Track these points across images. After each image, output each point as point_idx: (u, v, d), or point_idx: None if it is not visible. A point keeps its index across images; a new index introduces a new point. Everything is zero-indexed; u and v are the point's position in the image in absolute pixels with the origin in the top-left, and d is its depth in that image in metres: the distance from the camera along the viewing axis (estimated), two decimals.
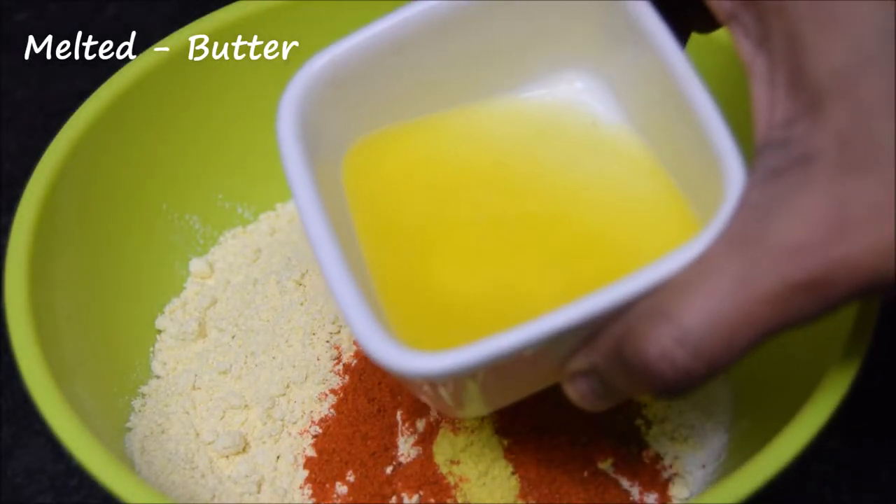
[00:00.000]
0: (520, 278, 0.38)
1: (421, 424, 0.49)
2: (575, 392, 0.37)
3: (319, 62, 0.40)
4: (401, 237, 0.40)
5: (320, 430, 0.50)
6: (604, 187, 0.40)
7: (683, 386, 0.33)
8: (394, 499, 0.48)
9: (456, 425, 0.49)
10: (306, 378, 0.51)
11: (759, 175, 0.34)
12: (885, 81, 0.32)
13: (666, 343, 0.32)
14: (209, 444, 0.51)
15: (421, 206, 0.40)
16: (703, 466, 0.51)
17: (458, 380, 0.37)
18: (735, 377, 0.54)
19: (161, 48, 0.55)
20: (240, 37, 0.57)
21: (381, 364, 0.35)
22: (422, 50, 0.41)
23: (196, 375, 0.53)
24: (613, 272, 0.34)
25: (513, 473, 0.48)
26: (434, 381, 0.37)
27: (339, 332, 0.52)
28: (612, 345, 0.34)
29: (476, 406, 0.41)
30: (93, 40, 0.77)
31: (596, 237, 0.39)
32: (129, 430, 0.51)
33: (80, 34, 0.76)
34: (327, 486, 0.49)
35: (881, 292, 0.33)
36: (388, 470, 0.49)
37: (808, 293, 0.32)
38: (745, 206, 0.33)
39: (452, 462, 0.48)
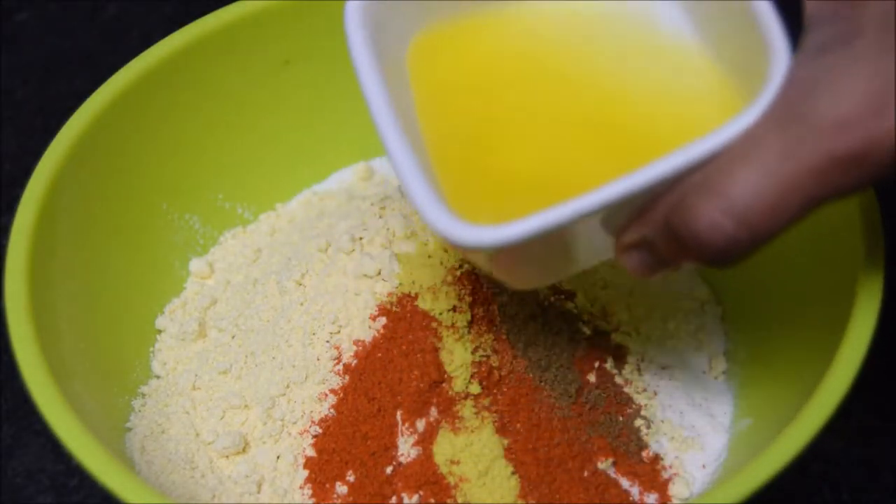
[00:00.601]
0: (574, 158, 0.40)
1: (421, 424, 0.49)
2: (628, 263, 0.39)
3: None
4: (459, 120, 0.41)
5: (320, 430, 0.50)
6: (656, 81, 0.41)
7: (731, 254, 0.34)
8: (394, 499, 0.48)
9: (456, 425, 0.49)
10: (306, 378, 0.51)
11: (805, 52, 0.35)
12: None
13: (714, 214, 0.34)
14: (209, 444, 0.51)
15: (479, 93, 0.42)
16: (704, 466, 0.51)
17: (516, 250, 0.38)
18: (735, 377, 0.54)
19: (161, 48, 0.55)
20: (240, 37, 0.57)
21: (444, 237, 0.37)
22: None
23: (196, 375, 0.53)
24: (663, 152, 0.36)
25: (513, 473, 0.48)
26: (495, 252, 0.38)
27: (339, 332, 0.52)
28: (663, 218, 0.35)
29: (532, 278, 0.43)
30: (93, 40, 0.77)
31: (648, 125, 0.40)
32: (129, 430, 0.51)
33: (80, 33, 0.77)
34: (327, 486, 0.49)
35: None
36: (388, 470, 0.49)
37: (849, 166, 0.33)
38: (791, 83, 0.35)
39: (452, 462, 0.48)
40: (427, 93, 0.42)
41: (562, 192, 0.36)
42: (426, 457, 0.48)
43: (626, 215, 0.38)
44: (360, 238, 0.53)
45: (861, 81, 0.33)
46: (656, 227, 0.36)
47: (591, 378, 0.51)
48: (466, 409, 0.49)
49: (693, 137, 0.36)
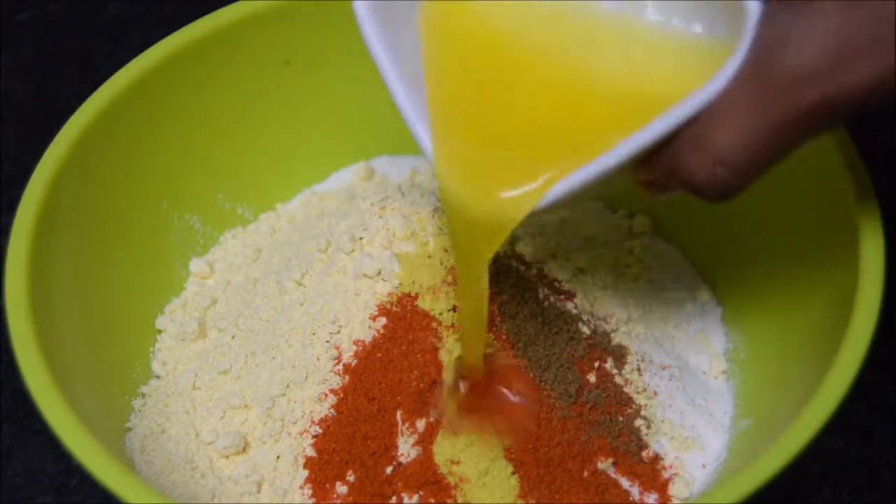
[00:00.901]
0: (566, 127, 0.44)
1: (421, 424, 0.49)
2: (643, 190, 0.43)
3: None
4: (458, 93, 0.45)
5: (320, 430, 0.50)
6: (635, 59, 0.44)
7: (726, 195, 0.40)
8: (394, 499, 0.48)
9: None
10: (306, 378, 0.51)
11: (770, 10, 0.38)
12: None
13: (709, 167, 0.39)
14: (209, 444, 0.51)
15: (475, 67, 0.46)
16: (703, 466, 0.51)
17: None
18: (735, 377, 0.54)
19: (161, 48, 0.55)
20: (240, 37, 0.57)
21: (478, 212, 0.42)
22: None
23: (196, 375, 0.53)
24: (653, 107, 0.40)
25: (513, 473, 0.48)
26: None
27: (338, 332, 0.52)
28: (667, 170, 0.41)
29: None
30: (93, 40, 0.77)
31: (635, 87, 0.44)
32: (129, 430, 0.51)
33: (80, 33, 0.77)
34: (327, 486, 0.49)
35: (883, 109, 0.38)
36: (388, 470, 0.49)
37: (816, 116, 0.37)
38: (759, 41, 0.38)
39: (452, 462, 0.48)
40: (431, 66, 0.45)
41: (555, 160, 0.42)
42: (426, 457, 0.48)
43: (632, 164, 0.42)
44: (360, 238, 0.53)
45: (820, 38, 0.36)
46: (663, 174, 0.41)
47: (591, 378, 0.51)
48: None
49: (679, 91, 0.40)
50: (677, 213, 0.59)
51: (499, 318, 0.50)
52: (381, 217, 0.54)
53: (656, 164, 0.41)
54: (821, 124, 0.38)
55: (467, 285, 0.47)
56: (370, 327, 0.51)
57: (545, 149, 0.43)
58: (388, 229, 0.53)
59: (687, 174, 0.40)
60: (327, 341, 0.51)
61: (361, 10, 0.44)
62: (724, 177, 0.39)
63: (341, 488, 0.49)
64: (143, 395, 0.53)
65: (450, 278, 0.51)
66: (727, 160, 0.39)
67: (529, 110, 0.44)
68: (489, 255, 0.45)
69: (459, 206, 0.44)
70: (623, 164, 0.41)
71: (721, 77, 0.39)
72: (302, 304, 0.53)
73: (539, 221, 0.58)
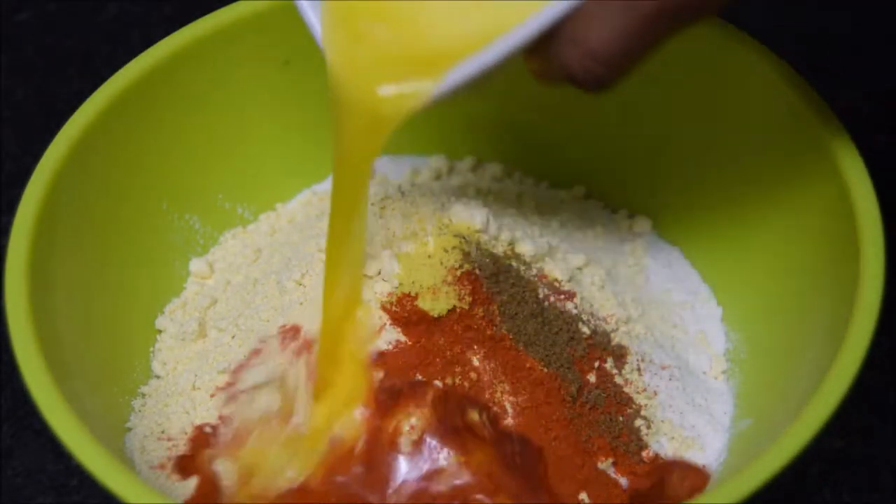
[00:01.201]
0: (445, 24, 0.46)
1: None
2: (534, 77, 0.46)
3: None
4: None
5: None
6: None
7: (601, 86, 0.43)
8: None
9: None
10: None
11: None
12: None
13: (585, 62, 0.42)
14: None
15: None
16: (703, 466, 0.51)
17: None
18: (735, 377, 0.54)
19: (161, 48, 0.55)
20: (240, 37, 0.57)
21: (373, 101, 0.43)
22: None
23: (196, 375, 0.53)
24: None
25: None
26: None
27: None
28: (550, 62, 0.44)
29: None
30: (93, 40, 0.77)
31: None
32: (129, 430, 0.51)
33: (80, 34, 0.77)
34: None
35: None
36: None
37: (677, 13, 0.41)
38: None
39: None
40: None
41: (443, 58, 0.44)
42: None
43: (518, 54, 0.44)
44: None
45: None
46: (548, 66, 0.44)
47: (591, 378, 0.51)
48: None
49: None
50: (678, 213, 0.59)
51: (499, 319, 0.50)
52: (381, 217, 0.54)
53: (541, 56, 0.44)
54: (687, 18, 0.41)
55: (346, 186, 0.48)
56: None
57: (434, 50, 0.45)
58: (388, 229, 0.53)
59: (565, 67, 0.43)
60: None
61: None
62: (596, 69, 0.42)
63: None
64: (143, 395, 0.53)
65: (450, 278, 0.51)
66: (599, 54, 0.42)
67: (414, 22, 0.46)
68: (375, 150, 0.47)
69: (351, 95, 0.45)
70: (501, 62, 0.43)
71: None
72: (302, 304, 0.53)
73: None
